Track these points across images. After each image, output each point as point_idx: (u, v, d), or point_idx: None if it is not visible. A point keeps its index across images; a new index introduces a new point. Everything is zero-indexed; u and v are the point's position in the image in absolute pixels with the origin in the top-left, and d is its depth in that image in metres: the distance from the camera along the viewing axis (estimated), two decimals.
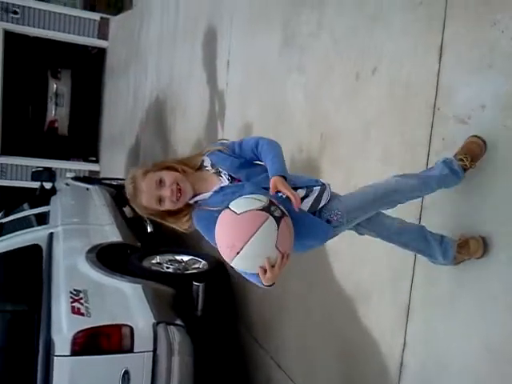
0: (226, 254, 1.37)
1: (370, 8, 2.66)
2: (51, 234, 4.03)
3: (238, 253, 1.32)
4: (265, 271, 1.34)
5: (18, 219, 5.04)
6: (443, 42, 2.13)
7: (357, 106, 2.73)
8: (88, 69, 13.07)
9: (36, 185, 7.38)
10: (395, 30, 2.45)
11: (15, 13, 10.89)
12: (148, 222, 4.61)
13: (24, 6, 10.96)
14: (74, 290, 3.06)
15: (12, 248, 3.93)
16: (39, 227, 4.41)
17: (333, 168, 2.92)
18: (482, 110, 1.93)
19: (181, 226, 1.72)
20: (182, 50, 6.00)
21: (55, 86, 12.99)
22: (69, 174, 11.21)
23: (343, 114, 2.85)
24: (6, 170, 11.75)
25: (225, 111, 4.57)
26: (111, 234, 4.22)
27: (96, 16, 11.72)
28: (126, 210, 4.97)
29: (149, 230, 4.64)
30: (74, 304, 2.90)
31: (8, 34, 11.11)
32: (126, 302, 3.03)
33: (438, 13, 2.15)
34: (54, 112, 13.00)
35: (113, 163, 11.15)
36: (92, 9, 14.01)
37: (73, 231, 4.20)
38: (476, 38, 1.98)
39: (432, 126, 2.17)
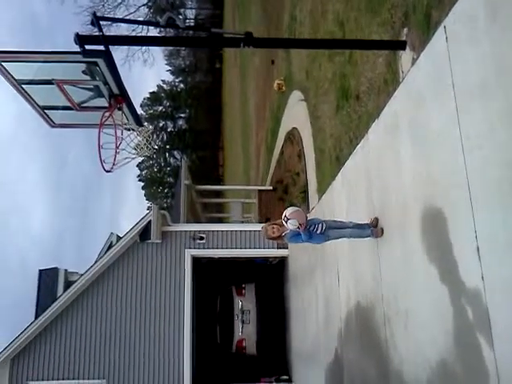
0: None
1: None
2: None
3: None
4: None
5: None
6: None
7: None
8: (270, 280, 12.75)
9: None
10: None
11: (201, 238, 11.43)
12: None
13: (209, 231, 11.50)
14: None
15: None
16: None
17: None
18: None
19: None
20: (390, 246, 4.89)
21: (240, 302, 12.74)
22: None
23: None
24: None
25: (489, 320, 3.07)
26: None
27: None
28: None
29: None
30: None
31: (195, 260, 11.52)
32: None
33: None
34: (241, 331, 12.48)
35: (309, 383, 9.64)
36: (267, 221, 14.39)
37: None
38: None
39: None
